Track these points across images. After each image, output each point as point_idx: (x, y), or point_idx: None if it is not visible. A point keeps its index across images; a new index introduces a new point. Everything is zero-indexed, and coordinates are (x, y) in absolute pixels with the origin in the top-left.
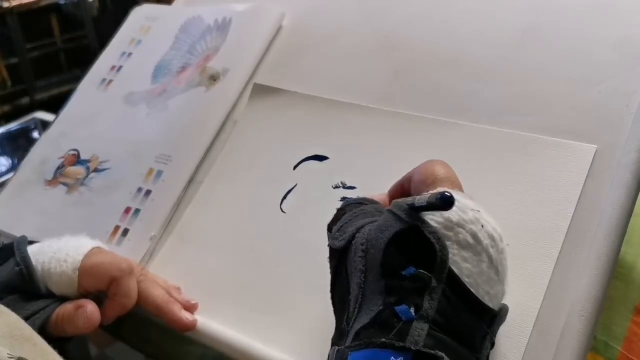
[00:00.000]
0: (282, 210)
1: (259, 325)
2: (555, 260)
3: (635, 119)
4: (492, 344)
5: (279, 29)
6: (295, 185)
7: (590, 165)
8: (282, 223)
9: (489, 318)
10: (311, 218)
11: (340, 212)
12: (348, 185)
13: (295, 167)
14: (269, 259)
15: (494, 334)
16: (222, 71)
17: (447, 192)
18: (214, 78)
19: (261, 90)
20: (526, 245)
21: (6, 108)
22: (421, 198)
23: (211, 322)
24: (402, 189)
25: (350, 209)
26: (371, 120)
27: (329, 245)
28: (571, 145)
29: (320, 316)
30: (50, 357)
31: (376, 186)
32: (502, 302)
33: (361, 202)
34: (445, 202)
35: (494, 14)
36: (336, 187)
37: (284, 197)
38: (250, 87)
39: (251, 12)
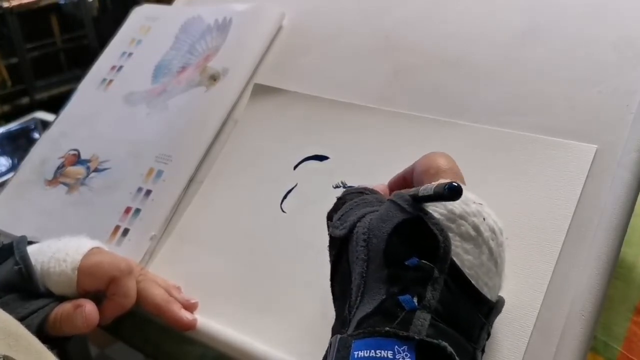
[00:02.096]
0: (283, 210)
1: (259, 325)
2: (555, 260)
3: (635, 119)
4: (489, 335)
5: (279, 29)
6: (296, 185)
7: (590, 165)
8: (282, 223)
9: (487, 309)
10: (311, 218)
11: (340, 201)
12: (348, 185)
13: (295, 167)
14: (269, 259)
15: (490, 324)
16: (222, 71)
17: (454, 182)
18: (214, 78)
19: (261, 90)
20: (526, 245)
21: (6, 108)
22: (426, 188)
23: (211, 322)
24: (404, 181)
25: (350, 197)
26: (371, 120)
27: (329, 233)
28: (571, 145)
29: (320, 316)
30: (44, 355)
31: None
32: (498, 294)
33: (362, 191)
34: (453, 192)
35: (494, 14)
36: (337, 186)
37: (285, 197)
38: (250, 87)
39: (251, 12)
